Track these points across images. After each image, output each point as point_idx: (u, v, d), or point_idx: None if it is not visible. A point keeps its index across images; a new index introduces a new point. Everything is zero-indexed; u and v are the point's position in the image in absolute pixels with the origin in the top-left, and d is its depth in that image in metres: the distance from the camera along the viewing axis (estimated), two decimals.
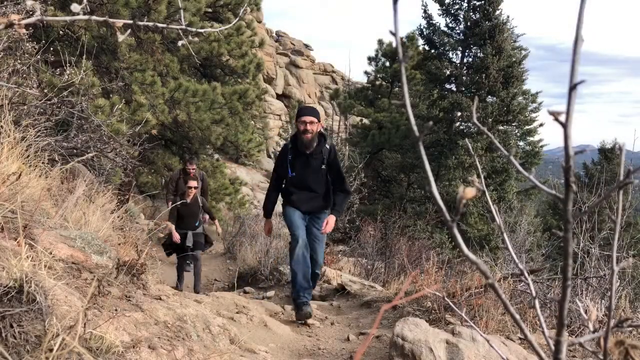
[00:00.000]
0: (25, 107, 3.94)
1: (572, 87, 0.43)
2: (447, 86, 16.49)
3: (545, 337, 0.62)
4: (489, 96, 15.67)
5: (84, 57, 5.64)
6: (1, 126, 2.67)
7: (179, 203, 6.03)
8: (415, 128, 0.47)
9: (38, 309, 1.30)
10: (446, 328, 3.20)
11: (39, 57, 5.08)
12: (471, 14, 15.90)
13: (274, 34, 37.94)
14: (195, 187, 6.15)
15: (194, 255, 6.25)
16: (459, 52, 16.46)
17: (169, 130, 9.30)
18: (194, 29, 0.97)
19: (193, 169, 6.62)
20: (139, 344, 1.64)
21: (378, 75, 18.13)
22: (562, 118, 0.44)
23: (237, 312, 3.70)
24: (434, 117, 15.38)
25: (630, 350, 0.59)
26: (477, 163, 0.85)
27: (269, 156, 27.10)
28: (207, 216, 6.58)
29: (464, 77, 15.93)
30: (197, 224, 6.28)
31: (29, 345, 1.23)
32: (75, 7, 0.70)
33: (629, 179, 0.47)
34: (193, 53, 8.53)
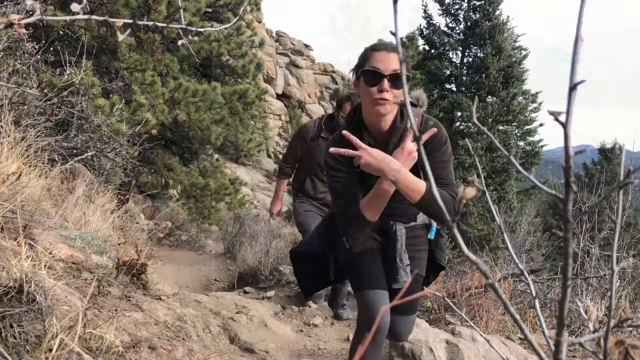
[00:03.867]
0: (25, 107, 3.94)
1: (572, 87, 0.43)
2: (447, 86, 16.51)
3: (545, 337, 0.62)
4: (489, 96, 15.69)
5: (84, 57, 5.64)
6: (1, 126, 2.67)
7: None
8: (415, 128, 0.48)
9: (38, 309, 1.30)
10: (446, 328, 3.20)
11: (39, 57, 5.07)
12: (471, 14, 15.92)
13: (274, 34, 37.93)
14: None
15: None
16: (459, 52, 16.48)
17: (169, 130, 9.30)
18: (193, 29, 0.97)
19: None
20: (139, 344, 1.64)
21: None
22: (562, 118, 0.44)
23: (237, 312, 3.70)
24: (434, 117, 15.40)
25: (630, 350, 0.59)
26: (477, 163, 0.85)
27: (269, 156, 27.04)
28: None
29: (464, 77, 15.94)
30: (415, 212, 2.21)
31: (28, 345, 1.23)
32: (75, 6, 0.70)
33: (629, 179, 0.47)
34: (193, 53, 8.53)
